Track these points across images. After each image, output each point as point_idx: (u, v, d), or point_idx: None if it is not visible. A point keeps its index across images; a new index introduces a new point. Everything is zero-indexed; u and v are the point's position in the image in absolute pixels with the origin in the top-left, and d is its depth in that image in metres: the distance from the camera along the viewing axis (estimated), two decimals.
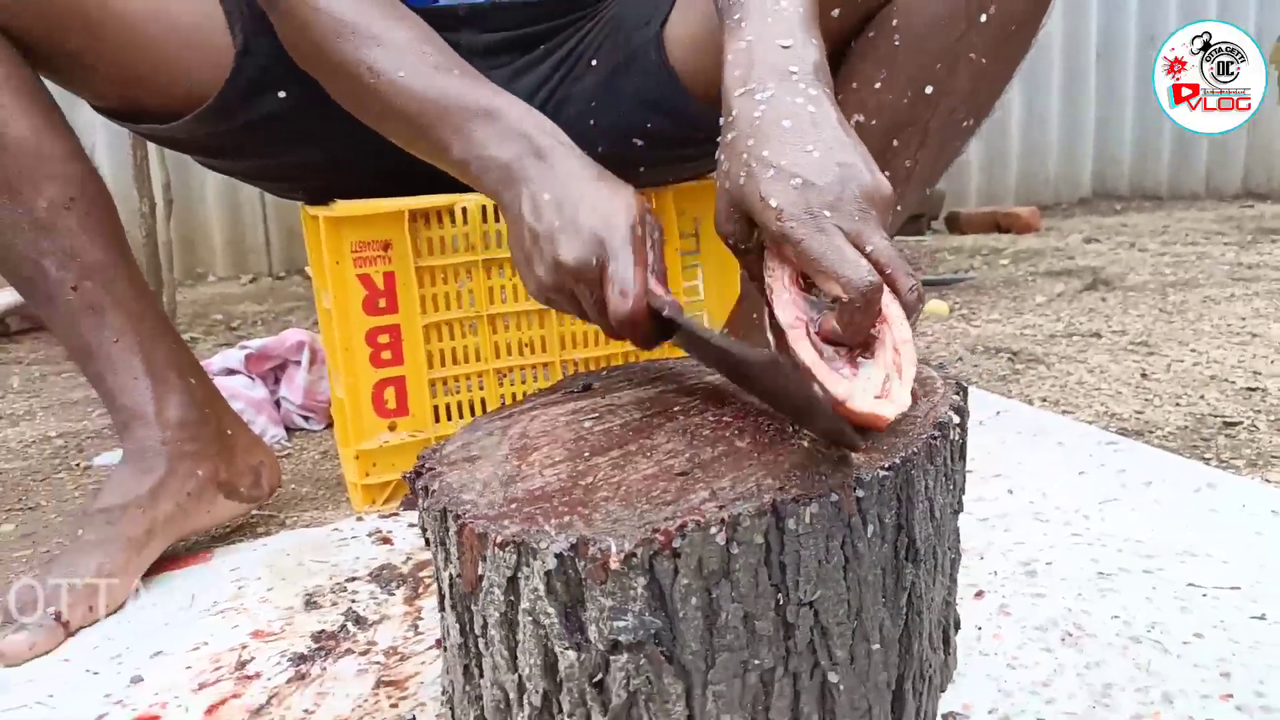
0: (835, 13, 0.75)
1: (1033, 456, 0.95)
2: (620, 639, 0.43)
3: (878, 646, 0.48)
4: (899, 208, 0.80)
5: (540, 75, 0.92)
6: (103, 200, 0.80)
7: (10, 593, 0.73)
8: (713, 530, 0.43)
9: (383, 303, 0.92)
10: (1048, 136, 3.43)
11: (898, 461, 0.47)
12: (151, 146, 2.05)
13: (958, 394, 0.55)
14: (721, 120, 0.57)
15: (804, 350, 0.51)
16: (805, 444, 0.50)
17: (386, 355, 0.93)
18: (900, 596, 0.48)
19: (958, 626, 0.60)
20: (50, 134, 0.76)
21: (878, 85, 0.76)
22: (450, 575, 0.49)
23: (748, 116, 0.54)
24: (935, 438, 0.50)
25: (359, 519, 0.91)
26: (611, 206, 0.59)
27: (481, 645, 0.48)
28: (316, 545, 0.85)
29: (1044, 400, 1.18)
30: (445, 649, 0.54)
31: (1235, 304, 1.67)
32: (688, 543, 0.42)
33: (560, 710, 0.45)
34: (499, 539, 0.45)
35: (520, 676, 0.46)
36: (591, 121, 0.91)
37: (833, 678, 0.46)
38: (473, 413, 0.96)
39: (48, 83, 0.79)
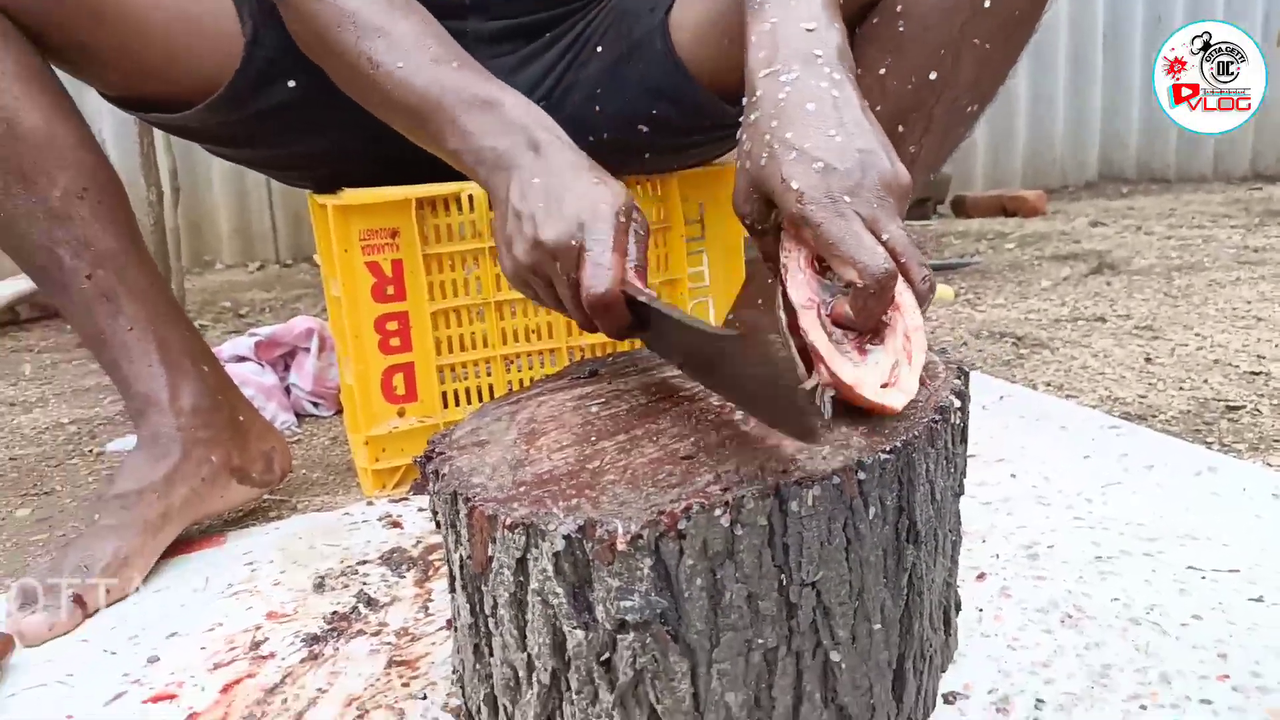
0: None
1: (1036, 441, 0.96)
2: (627, 618, 0.44)
3: (879, 626, 0.49)
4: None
5: (546, 62, 0.93)
6: (115, 189, 0.80)
7: (29, 575, 0.74)
8: (717, 512, 0.44)
9: (391, 290, 0.93)
10: (1054, 120, 3.41)
11: (899, 445, 0.48)
12: (158, 134, 2.06)
13: (959, 378, 0.56)
14: (744, 100, 0.57)
15: (814, 331, 0.51)
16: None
17: (395, 342, 0.94)
18: (901, 577, 0.49)
19: (959, 608, 0.61)
20: (63, 124, 0.77)
21: (882, 71, 0.77)
22: (461, 557, 0.50)
23: (772, 98, 0.54)
24: (936, 421, 0.51)
25: (369, 503, 0.92)
26: (598, 194, 0.59)
27: (491, 625, 0.49)
28: (327, 529, 0.86)
29: (1048, 385, 1.18)
30: (456, 629, 0.55)
31: (1241, 288, 1.67)
32: (693, 524, 0.43)
33: (568, 688, 0.47)
34: (508, 521, 0.46)
35: (529, 655, 0.47)
36: (596, 108, 0.92)
37: (835, 657, 0.47)
38: (480, 399, 0.97)
39: (58, 72, 0.80)
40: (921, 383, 0.52)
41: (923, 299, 0.53)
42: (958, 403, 0.54)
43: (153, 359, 0.80)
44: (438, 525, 0.53)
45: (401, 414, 0.95)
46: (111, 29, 0.78)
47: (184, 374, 0.82)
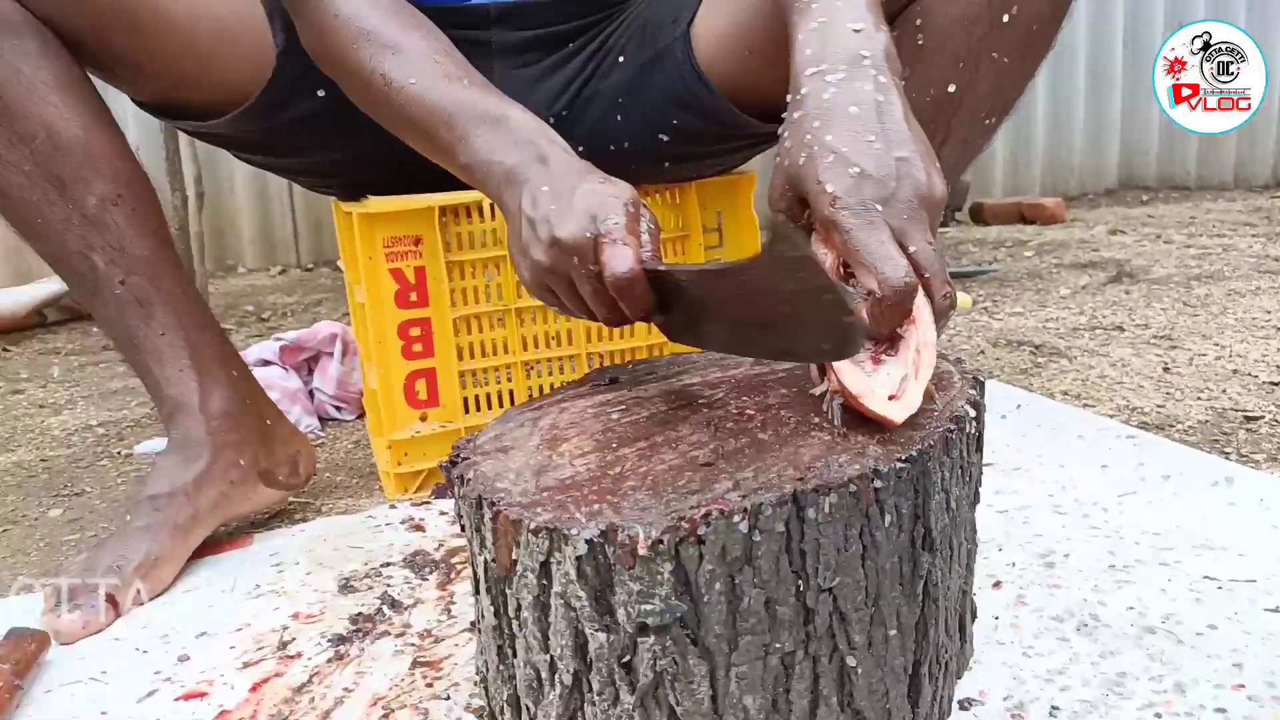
0: None
1: (1053, 450, 0.96)
2: (648, 622, 0.45)
3: (895, 632, 0.49)
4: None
5: (569, 72, 0.94)
6: (148, 196, 0.82)
7: (63, 574, 0.76)
8: (736, 519, 0.45)
9: (414, 296, 0.95)
10: (1074, 126, 3.40)
11: (915, 454, 0.49)
12: (183, 141, 2.09)
13: (974, 388, 0.57)
14: (789, 97, 0.57)
15: None
16: (825, 436, 0.52)
17: (418, 348, 0.96)
18: (917, 584, 0.50)
19: (974, 615, 0.61)
20: (100, 132, 0.79)
21: (901, 84, 0.78)
22: (485, 560, 0.51)
23: (817, 98, 0.55)
24: (952, 431, 0.52)
25: (391, 506, 0.94)
26: (605, 190, 0.60)
27: (515, 627, 0.50)
28: (351, 531, 0.87)
29: (1065, 394, 1.18)
30: (480, 630, 0.56)
31: (1261, 297, 1.66)
32: (712, 530, 0.44)
33: (590, 689, 0.48)
34: (532, 525, 0.47)
35: (552, 656, 0.48)
36: (618, 117, 0.93)
37: (851, 661, 0.48)
38: (501, 404, 0.98)
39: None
40: (927, 396, 0.53)
41: (942, 314, 0.54)
42: (973, 412, 0.55)
43: (184, 364, 0.82)
44: (462, 529, 0.54)
45: (423, 419, 0.96)
46: (148, 39, 0.80)
47: (214, 379, 0.83)
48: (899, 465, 0.48)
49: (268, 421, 0.89)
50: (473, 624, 0.68)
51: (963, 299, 1.76)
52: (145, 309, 0.81)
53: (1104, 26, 3.33)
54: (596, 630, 0.46)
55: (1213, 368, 1.26)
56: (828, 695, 0.48)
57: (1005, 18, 0.74)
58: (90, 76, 0.81)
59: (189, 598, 0.77)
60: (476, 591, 0.55)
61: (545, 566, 0.47)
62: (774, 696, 0.47)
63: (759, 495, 0.46)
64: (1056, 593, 0.68)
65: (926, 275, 0.52)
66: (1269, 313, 1.54)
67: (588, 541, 0.45)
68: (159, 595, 0.77)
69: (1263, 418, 1.06)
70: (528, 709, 0.51)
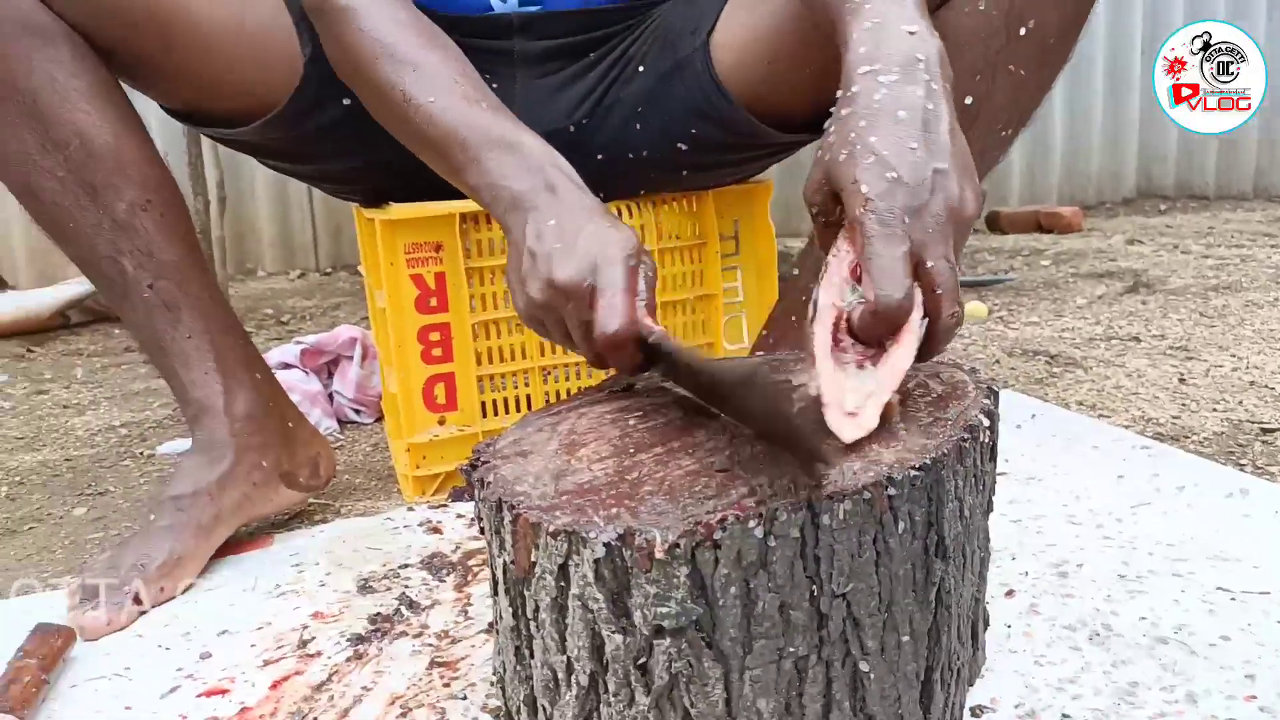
0: None
1: (1067, 460, 0.96)
2: (663, 624, 0.46)
3: (907, 638, 0.50)
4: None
5: (590, 81, 0.96)
6: (177, 202, 0.84)
7: (88, 572, 0.77)
8: (751, 524, 0.45)
9: (434, 302, 0.96)
10: (1091, 135, 3.38)
11: (928, 462, 0.49)
12: (205, 146, 2.11)
13: (988, 398, 0.58)
14: (839, 93, 0.57)
15: (819, 338, 0.53)
16: (840, 443, 0.52)
17: (437, 352, 0.97)
18: (930, 591, 0.51)
19: (987, 623, 0.62)
20: (130, 139, 0.81)
21: None
22: (504, 562, 0.52)
23: (867, 97, 0.55)
24: (965, 440, 0.52)
25: (410, 509, 0.95)
26: (609, 237, 0.61)
27: (533, 628, 0.51)
28: (370, 533, 0.89)
29: (1081, 404, 1.18)
30: (497, 632, 0.57)
31: (1279, 309, 1.66)
32: (728, 535, 0.45)
33: (606, 690, 0.48)
34: (551, 529, 0.48)
35: (569, 658, 0.49)
36: (637, 126, 0.94)
37: (864, 667, 0.49)
38: (518, 409, 0.99)
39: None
40: (885, 419, 0.52)
41: (945, 334, 0.54)
42: (987, 422, 0.55)
43: (209, 366, 0.84)
44: (482, 531, 0.55)
45: (442, 422, 0.98)
46: (178, 48, 0.82)
47: (238, 382, 0.85)
48: (913, 473, 0.49)
49: (290, 424, 0.90)
50: (490, 625, 0.69)
51: (978, 308, 1.75)
52: (172, 313, 0.83)
53: (1122, 35, 3.32)
54: (613, 632, 0.47)
55: (1229, 379, 1.26)
56: (840, 700, 0.49)
57: (1022, 30, 0.75)
58: (121, 84, 0.83)
59: (211, 596, 0.78)
60: (495, 593, 0.56)
61: (563, 569, 0.48)
62: (787, 700, 0.48)
63: (774, 501, 0.47)
64: (1069, 602, 0.69)
65: (938, 291, 0.52)
66: None
67: (605, 545, 0.46)
68: (181, 594, 0.79)
69: (1279, 430, 1.05)
70: (544, 709, 0.52)
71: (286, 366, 1.23)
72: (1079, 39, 0.79)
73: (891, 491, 0.48)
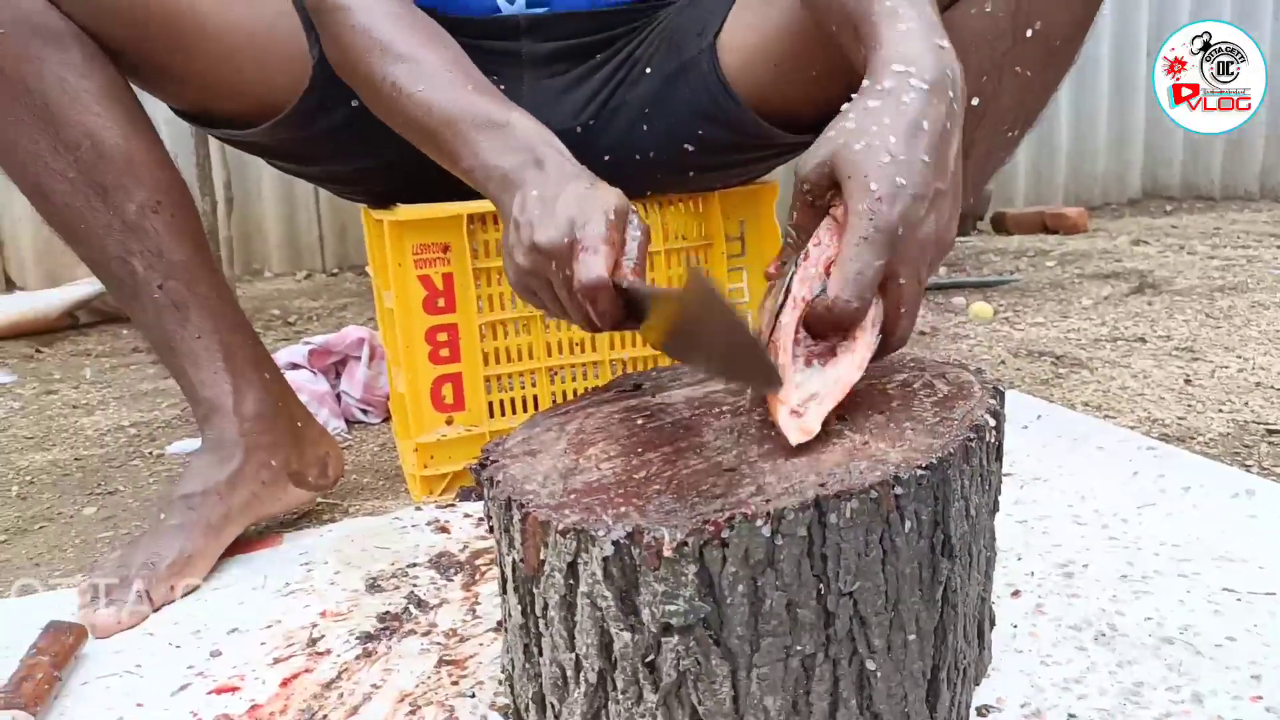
0: None
1: (1073, 460, 0.96)
2: (671, 622, 0.46)
3: (914, 637, 0.50)
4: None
5: (597, 83, 0.96)
6: (186, 204, 0.85)
7: (99, 570, 0.78)
8: (759, 523, 0.46)
9: (442, 302, 0.97)
10: (1097, 136, 3.38)
11: (935, 461, 0.50)
12: (213, 147, 2.13)
13: (994, 398, 0.58)
14: (866, 81, 0.57)
15: (786, 328, 0.54)
16: (847, 444, 0.53)
17: (445, 353, 0.97)
18: (936, 590, 0.51)
19: (993, 623, 0.62)
20: (141, 141, 0.81)
21: None
22: (513, 560, 0.52)
23: (897, 96, 0.54)
24: (971, 439, 0.52)
25: (417, 508, 0.95)
26: (589, 196, 0.62)
27: (541, 626, 0.51)
28: (378, 532, 0.89)
29: (1086, 405, 1.19)
30: (506, 630, 0.57)
31: None
32: (736, 533, 0.46)
33: (614, 687, 0.49)
34: (560, 527, 0.48)
35: (577, 655, 0.50)
36: (644, 127, 0.95)
37: (870, 665, 0.49)
38: (525, 409, 1.00)
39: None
40: (825, 425, 0.53)
41: (887, 350, 0.57)
42: (993, 421, 0.56)
43: (218, 366, 0.84)
44: (491, 530, 0.56)
45: (449, 422, 0.98)
46: (188, 50, 0.83)
47: (247, 381, 0.85)
48: (919, 472, 0.49)
49: (298, 424, 0.91)
50: (498, 624, 0.70)
51: (984, 308, 1.76)
52: (182, 313, 0.83)
53: (1127, 37, 3.31)
54: (621, 630, 0.48)
55: (1235, 380, 1.26)
56: (847, 698, 0.49)
57: (1029, 32, 0.75)
58: (131, 86, 0.83)
59: (220, 595, 0.79)
60: (503, 591, 0.56)
61: (572, 567, 0.48)
62: (794, 698, 0.48)
63: (782, 500, 0.47)
64: (1075, 602, 0.69)
65: (902, 309, 0.54)
66: None
67: (614, 543, 0.46)
68: (191, 592, 0.79)
69: None
70: (552, 706, 0.52)
71: (295, 367, 1.24)
72: (1085, 41, 0.79)
73: (898, 490, 0.48)
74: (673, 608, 0.46)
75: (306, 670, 0.66)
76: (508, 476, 0.54)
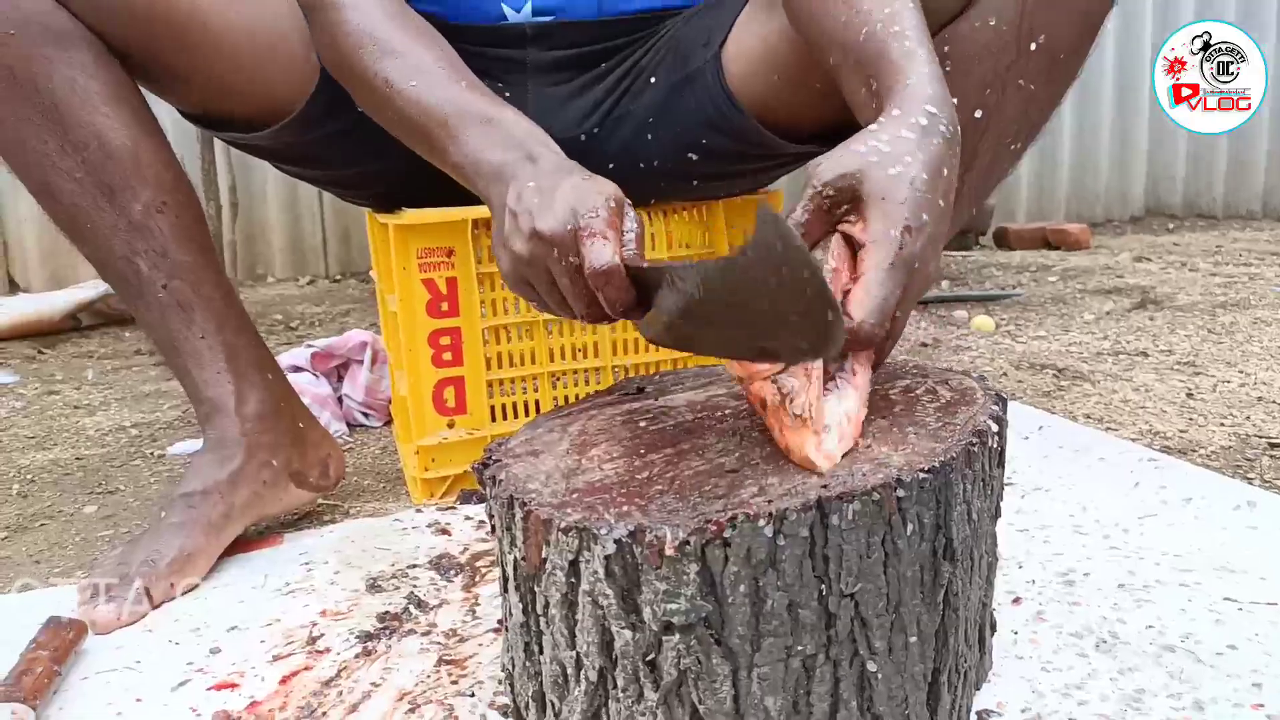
0: None
1: (1074, 471, 0.96)
2: (673, 621, 0.46)
3: (915, 639, 0.50)
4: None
5: (601, 91, 0.96)
6: (192, 205, 0.85)
7: (100, 567, 0.78)
8: (761, 523, 0.46)
9: (445, 306, 0.97)
10: (1099, 153, 3.39)
11: (937, 465, 0.50)
12: (218, 151, 2.14)
13: (997, 404, 0.58)
14: (896, 112, 0.57)
15: (815, 367, 0.54)
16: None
17: (447, 356, 0.97)
18: (937, 593, 0.51)
19: (994, 629, 0.62)
20: (147, 142, 0.82)
21: None
22: (515, 558, 0.52)
23: (928, 139, 0.55)
24: (974, 444, 0.53)
25: (418, 510, 0.95)
26: (588, 186, 0.61)
27: (542, 624, 0.51)
28: (379, 533, 0.89)
29: (1088, 417, 1.19)
30: (506, 629, 0.57)
31: None
32: (737, 533, 0.46)
33: (615, 686, 0.49)
34: (563, 525, 0.48)
35: (578, 653, 0.50)
36: (649, 136, 0.95)
37: (871, 666, 0.49)
38: (527, 413, 1.00)
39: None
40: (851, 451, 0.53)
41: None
42: (995, 427, 0.56)
43: (221, 366, 0.84)
44: (493, 529, 0.56)
45: (451, 425, 0.98)
46: (195, 53, 0.83)
47: (250, 382, 0.86)
48: (921, 476, 0.49)
49: (300, 425, 0.91)
50: (498, 624, 0.70)
51: (985, 322, 1.76)
52: (186, 313, 0.83)
53: (1131, 53, 3.33)
54: (622, 628, 0.48)
55: (1237, 394, 1.26)
56: (848, 699, 0.49)
57: (1032, 45, 0.76)
58: (139, 88, 0.84)
59: (220, 593, 0.79)
60: (504, 589, 0.56)
61: (574, 565, 0.48)
62: (795, 698, 0.48)
63: (784, 501, 0.47)
64: (1076, 610, 0.69)
65: (890, 339, 0.56)
66: None
67: (616, 541, 0.47)
68: (191, 590, 0.79)
69: None
70: (553, 705, 0.52)
71: (297, 369, 1.24)
72: (1089, 55, 0.80)
73: (900, 494, 0.48)
74: (674, 606, 0.46)
75: (306, 668, 0.66)
76: (510, 475, 0.54)
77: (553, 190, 0.62)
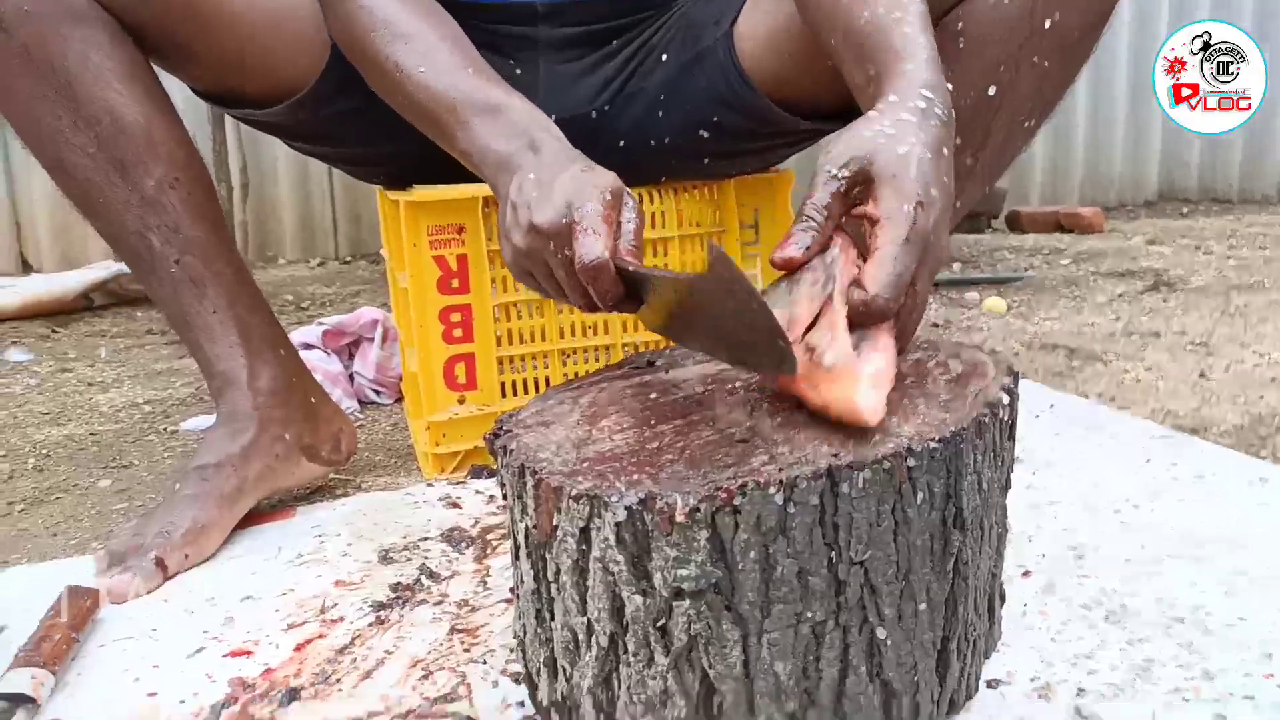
0: None
1: (1085, 448, 0.96)
2: (683, 587, 0.47)
3: (924, 607, 0.50)
4: (958, 204, 0.82)
5: (613, 69, 0.96)
6: (204, 182, 0.86)
7: (115, 538, 0.79)
8: (771, 490, 0.46)
9: (456, 283, 0.97)
10: (1113, 136, 3.37)
11: (948, 435, 0.50)
12: (229, 131, 2.14)
13: (1008, 376, 0.58)
14: (894, 97, 0.58)
15: (841, 315, 0.53)
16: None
17: (458, 333, 0.98)
18: (947, 562, 0.51)
19: (1003, 599, 0.62)
20: (160, 119, 0.82)
21: None
22: (526, 526, 0.53)
23: (927, 121, 0.56)
24: (985, 415, 0.53)
25: (429, 485, 0.96)
26: (585, 179, 0.62)
27: (554, 590, 0.52)
28: (390, 507, 0.90)
29: (1100, 396, 1.18)
30: (518, 596, 0.58)
31: None
32: (748, 500, 0.46)
33: (625, 651, 0.49)
34: (574, 492, 0.48)
35: (589, 619, 0.50)
36: (660, 114, 0.95)
37: (880, 633, 0.49)
38: (537, 389, 1.00)
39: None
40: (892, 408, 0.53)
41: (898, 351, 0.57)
42: (1006, 399, 0.56)
43: (234, 341, 0.85)
44: (505, 497, 0.56)
45: (462, 401, 0.99)
46: (208, 30, 0.83)
47: (262, 357, 0.86)
48: (932, 445, 0.49)
49: (312, 400, 0.91)
50: (510, 592, 0.70)
51: (997, 303, 1.75)
52: (198, 288, 0.84)
53: (1144, 38, 3.29)
54: (633, 594, 0.48)
55: (1250, 375, 1.25)
56: (857, 665, 0.49)
57: (1047, 24, 0.75)
58: (152, 65, 0.84)
59: (234, 564, 0.80)
60: (516, 558, 0.56)
61: (585, 532, 0.49)
62: (804, 664, 0.48)
63: (794, 469, 0.47)
64: (1086, 582, 0.69)
65: (913, 314, 0.56)
66: None
67: (627, 508, 0.47)
68: (205, 561, 0.80)
69: None
70: (564, 670, 0.53)
71: (308, 347, 1.24)
72: (1103, 33, 0.79)
73: (911, 462, 0.48)
74: (684, 572, 0.46)
75: (320, 636, 0.67)
76: (521, 445, 0.55)
77: (550, 183, 0.63)
